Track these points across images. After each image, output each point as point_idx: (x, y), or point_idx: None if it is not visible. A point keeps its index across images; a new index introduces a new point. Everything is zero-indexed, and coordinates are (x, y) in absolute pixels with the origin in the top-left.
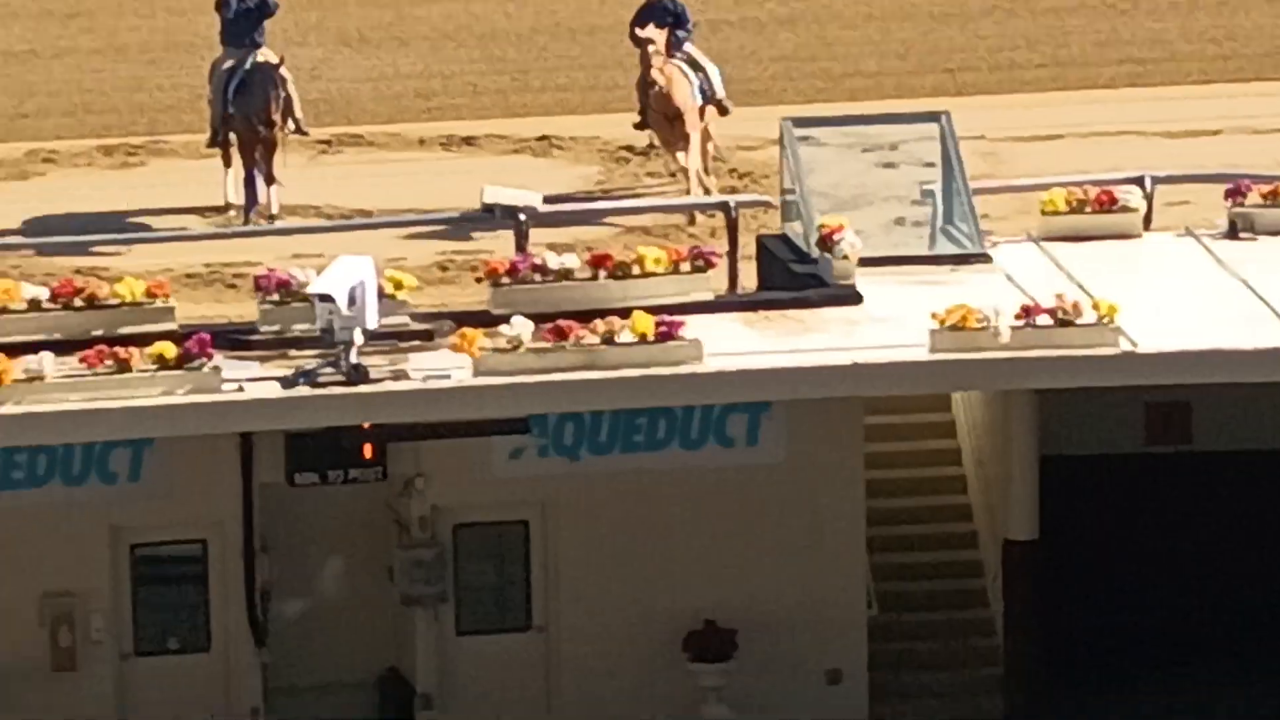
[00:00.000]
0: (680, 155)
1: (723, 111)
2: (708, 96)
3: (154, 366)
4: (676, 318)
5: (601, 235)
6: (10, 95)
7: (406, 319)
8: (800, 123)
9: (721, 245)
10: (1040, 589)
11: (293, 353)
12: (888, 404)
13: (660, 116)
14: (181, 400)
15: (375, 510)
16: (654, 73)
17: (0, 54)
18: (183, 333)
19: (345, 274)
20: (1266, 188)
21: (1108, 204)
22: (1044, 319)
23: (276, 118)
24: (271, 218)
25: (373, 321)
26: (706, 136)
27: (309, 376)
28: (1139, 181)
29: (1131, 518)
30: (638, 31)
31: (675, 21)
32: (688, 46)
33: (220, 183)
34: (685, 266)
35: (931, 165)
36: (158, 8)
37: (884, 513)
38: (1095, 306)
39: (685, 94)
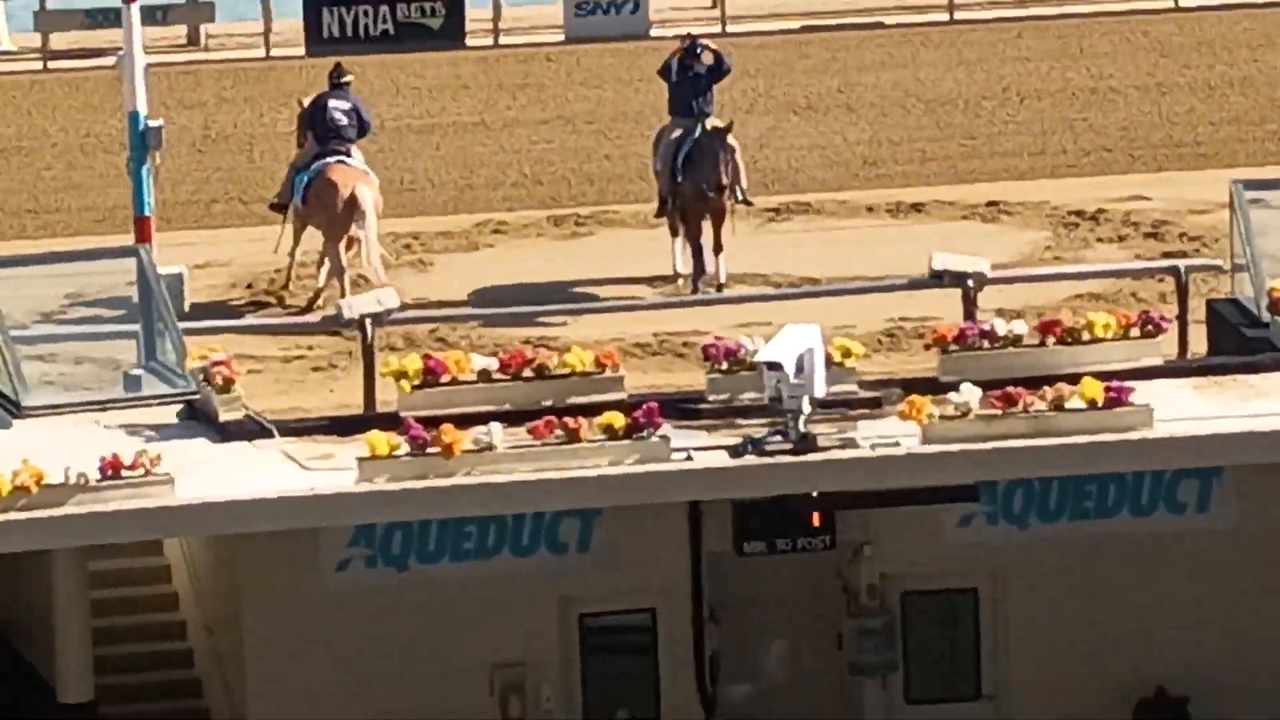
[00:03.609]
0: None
1: None
2: None
3: (603, 436)
4: (1126, 383)
5: (1051, 300)
6: (460, 167)
7: (854, 387)
8: (1251, 185)
9: (1171, 310)
10: None
11: (740, 421)
12: None
13: None
14: (630, 470)
15: (824, 578)
16: None
17: (451, 125)
18: (631, 402)
19: (793, 342)
20: None
21: None
22: None
23: (726, 183)
24: (720, 286)
25: (821, 389)
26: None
27: (757, 445)
28: None
29: None
30: None
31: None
32: None
33: (668, 252)
34: (1135, 332)
35: None
36: (606, 78)
37: None
38: None
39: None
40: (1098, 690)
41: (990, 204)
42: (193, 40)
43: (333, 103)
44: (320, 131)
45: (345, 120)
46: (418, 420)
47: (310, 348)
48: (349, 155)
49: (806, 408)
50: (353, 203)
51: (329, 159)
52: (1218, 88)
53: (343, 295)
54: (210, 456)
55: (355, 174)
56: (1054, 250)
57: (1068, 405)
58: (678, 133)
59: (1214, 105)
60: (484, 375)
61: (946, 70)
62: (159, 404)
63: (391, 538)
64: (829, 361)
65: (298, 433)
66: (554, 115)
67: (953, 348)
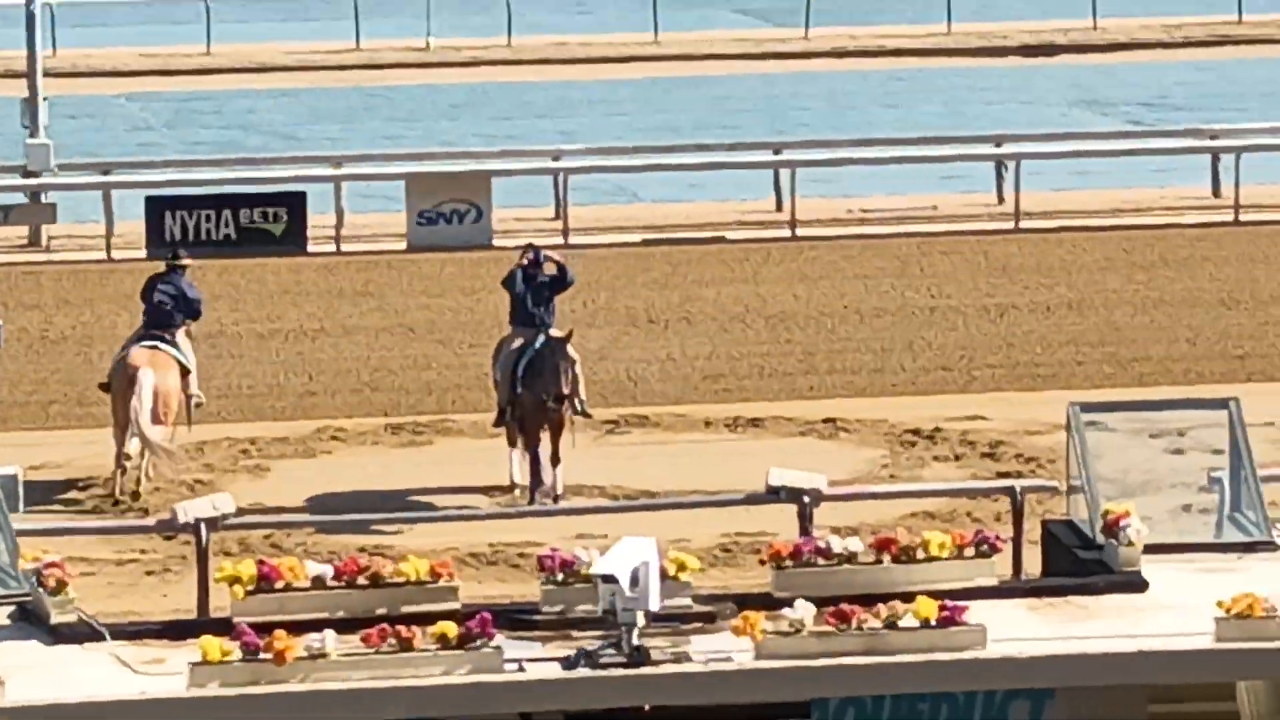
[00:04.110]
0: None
1: None
2: None
3: (436, 646)
4: (960, 603)
5: (886, 518)
6: (300, 373)
7: (689, 601)
8: (1088, 408)
9: (1006, 530)
10: None
11: (574, 633)
12: (1172, 692)
13: None
14: (462, 680)
15: None
16: None
17: (291, 331)
18: (465, 612)
19: (628, 555)
20: None
21: None
22: None
23: (566, 394)
24: (556, 497)
25: (655, 603)
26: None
27: (590, 657)
28: None
29: None
30: None
31: None
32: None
33: (506, 461)
34: (969, 551)
35: (1220, 452)
36: (448, 287)
37: None
38: None
39: None
40: None
41: (828, 421)
42: (34, 241)
43: (160, 286)
44: (146, 313)
45: (170, 305)
46: (251, 626)
47: (144, 551)
48: (170, 339)
49: (640, 621)
50: (130, 381)
51: (144, 341)
52: (1056, 309)
53: (115, 478)
54: (41, 659)
55: (152, 357)
56: (891, 468)
57: (901, 623)
58: (518, 342)
59: (1052, 326)
60: (318, 582)
61: (787, 286)
62: None
63: None
64: (664, 575)
65: (130, 636)
66: (394, 323)
67: (787, 564)
